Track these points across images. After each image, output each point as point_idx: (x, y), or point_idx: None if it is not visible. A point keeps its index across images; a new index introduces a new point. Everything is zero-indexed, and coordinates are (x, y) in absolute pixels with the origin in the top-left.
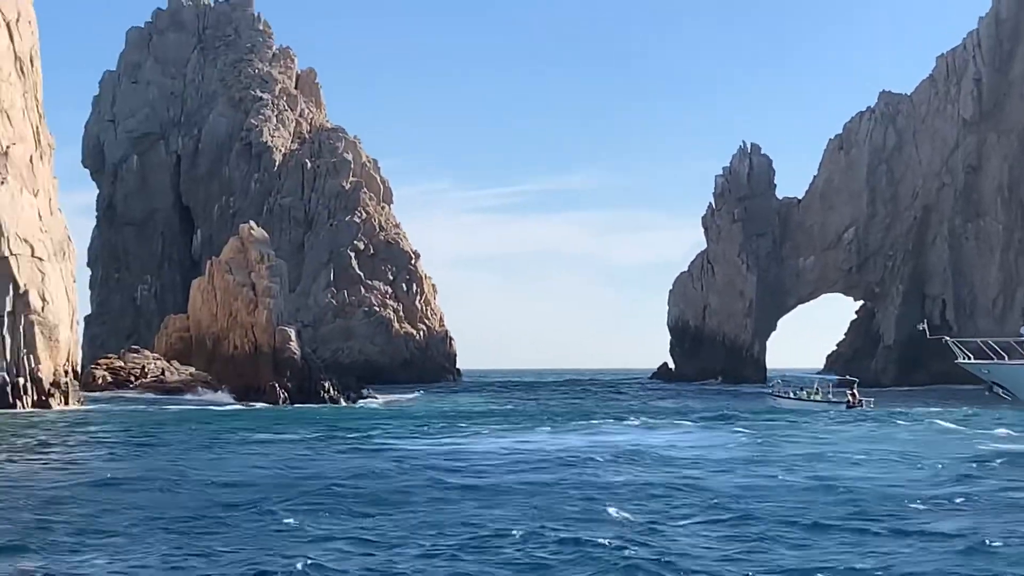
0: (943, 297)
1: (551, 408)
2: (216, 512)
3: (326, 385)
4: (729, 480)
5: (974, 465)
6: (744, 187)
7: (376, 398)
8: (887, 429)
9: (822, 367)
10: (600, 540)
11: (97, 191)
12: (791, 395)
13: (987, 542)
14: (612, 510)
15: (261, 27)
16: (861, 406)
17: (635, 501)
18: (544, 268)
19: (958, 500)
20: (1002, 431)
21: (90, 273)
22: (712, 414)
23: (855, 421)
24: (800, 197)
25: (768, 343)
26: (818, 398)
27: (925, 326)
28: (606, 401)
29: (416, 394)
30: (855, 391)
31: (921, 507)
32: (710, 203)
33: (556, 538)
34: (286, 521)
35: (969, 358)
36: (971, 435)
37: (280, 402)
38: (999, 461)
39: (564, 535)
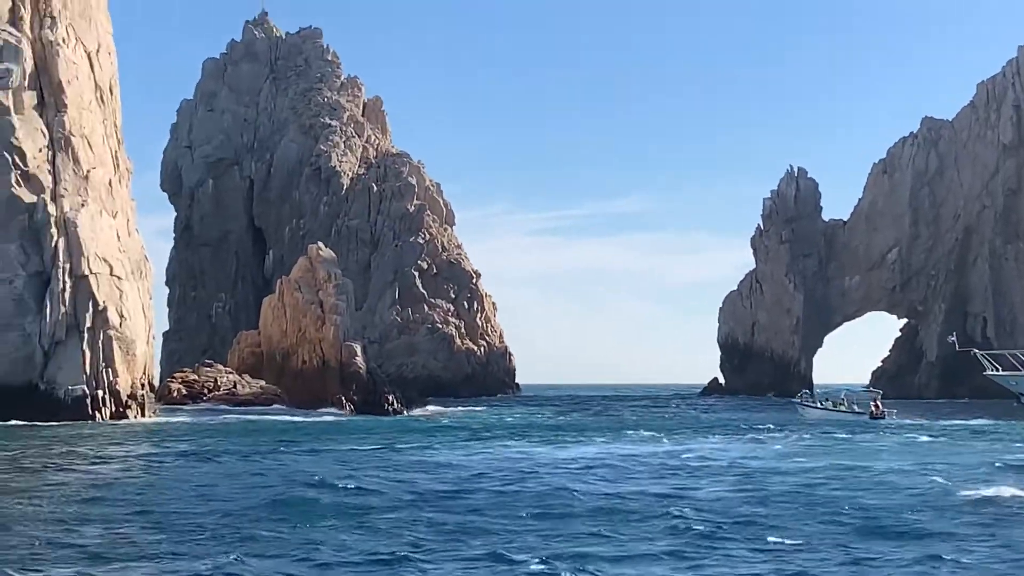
0: (984, 315)
1: (600, 423)
2: (246, 521)
3: (390, 398)
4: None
5: (966, 475)
6: (791, 209)
7: (425, 410)
8: (901, 439)
9: (868, 382)
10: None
11: (175, 214)
12: (818, 405)
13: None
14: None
15: (330, 58)
16: (884, 416)
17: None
18: (599, 287)
19: (955, 512)
20: (1019, 444)
21: (168, 291)
22: (750, 427)
23: (876, 431)
24: (845, 219)
25: (815, 359)
26: (843, 408)
27: (955, 339)
28: (655, 415)
29: (481, 408)
30: (879, 402)
31: (914, 518)
32: (758, 225)
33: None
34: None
35: (998, 370)
36: (984, 448)
37: (348, 413)
38: (1008, 474)
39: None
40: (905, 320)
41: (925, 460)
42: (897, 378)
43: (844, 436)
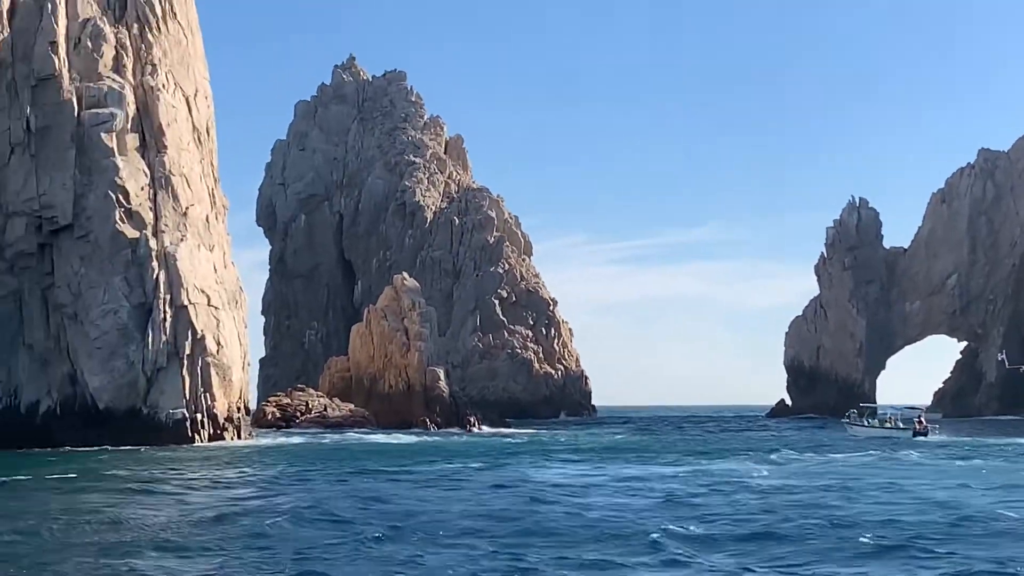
0: None
1: (670, 444)
2: (332, 548)
3: (471, 419)
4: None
5: (991, 491)
6: (853, 238)
7: (504, 430)
8: (938, 455)
9: (930, 403)
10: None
11: (269, 247)
12: (865, 423)
13: None
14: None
15: (413, 99)
16: (927, 433)
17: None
18: (670, 313)
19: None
20: None
21: (264, 320)
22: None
23: (918, 447)
24: (906, 246)
25: (879, 380)
26: (889, 426)
27: (1004, 357)
28: (722, 436)
29: (556, 430)
30: (922, 418)
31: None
32: (822, 253)
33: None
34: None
35: None
36: (1014, 467)
37: (431, 433)
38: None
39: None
40: (965, 343)
41: (955, 477)
42: (958, 398)
43: (887, 455)
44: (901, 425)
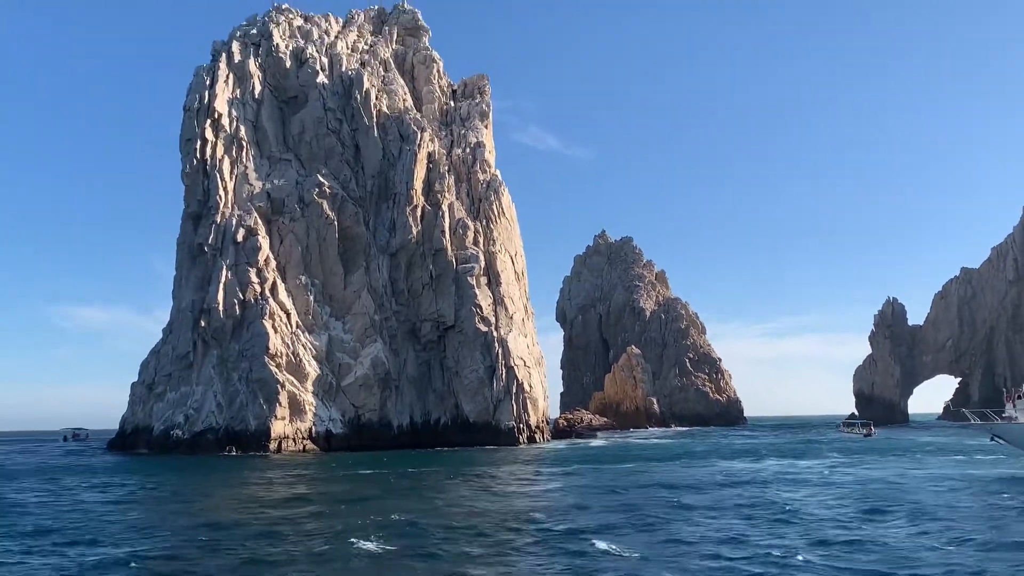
0: (1004, 375)
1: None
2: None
3: (672, 424)
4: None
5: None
6: (890, 320)
7: (691, 428)
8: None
9: (940, 413)
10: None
11: (562, 332)
12: (842, 429)
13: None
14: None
15: (637, 251)
16: (872, 435)
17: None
18: (792, 363)
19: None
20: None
21: (561, 372)
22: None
23: (865, 444)
24: (921, 323)
25: (910, 401)
26: (853, 431)
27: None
28: (798, 438)
29: (722, 432)
30: (871, 427)
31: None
32: (872, 330)
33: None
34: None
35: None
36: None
37: (647, 432)
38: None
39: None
40: (960, 379)
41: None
42: (956, 412)
43: (840, 456)
44: (858, 431)
